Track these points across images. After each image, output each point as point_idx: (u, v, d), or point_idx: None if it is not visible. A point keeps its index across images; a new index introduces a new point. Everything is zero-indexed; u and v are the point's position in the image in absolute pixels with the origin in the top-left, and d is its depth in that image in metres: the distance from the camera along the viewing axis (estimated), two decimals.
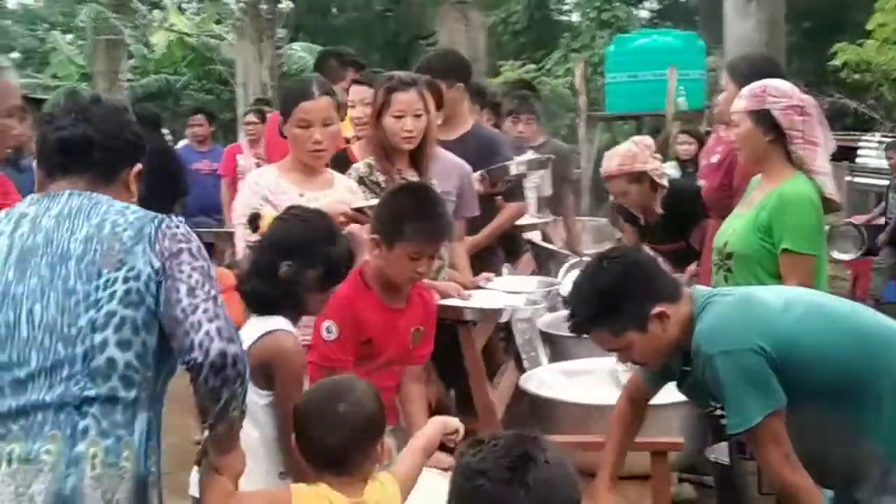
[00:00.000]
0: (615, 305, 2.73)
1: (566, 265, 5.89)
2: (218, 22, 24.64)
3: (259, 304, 2.90)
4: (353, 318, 3.26)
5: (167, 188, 3.15)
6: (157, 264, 2.18)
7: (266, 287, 2.86)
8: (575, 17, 23.97)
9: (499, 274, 4.56)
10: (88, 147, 2.30)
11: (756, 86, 3.81)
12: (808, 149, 3.72)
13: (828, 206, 3.81)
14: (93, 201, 2.24)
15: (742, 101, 3.79)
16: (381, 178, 3.98)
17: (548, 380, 4.22)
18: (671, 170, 6.88)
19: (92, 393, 2.10)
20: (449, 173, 4.24)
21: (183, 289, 2.17)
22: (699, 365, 2.69)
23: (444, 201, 3.54)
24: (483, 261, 4.56)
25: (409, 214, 3.25)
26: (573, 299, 2.87)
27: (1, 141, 3.12)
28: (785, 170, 3.71)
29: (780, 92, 3.70)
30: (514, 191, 5.03)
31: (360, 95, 4.64)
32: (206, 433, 2.25)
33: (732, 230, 3.80)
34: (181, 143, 9.73)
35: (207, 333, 2.14)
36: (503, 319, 3.85)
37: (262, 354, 2.77)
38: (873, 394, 2.63)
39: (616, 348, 2.85)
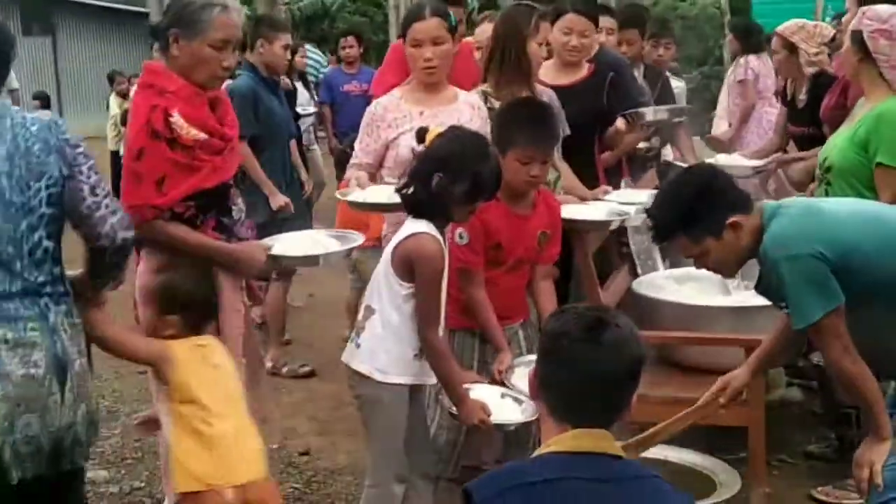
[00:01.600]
0: (694, 214, 2.99)
1: None
2: None
3: (412, 207, 3.33)
4: (482, 225, 3.65)
5: None
6: (65, 170, 2.67)
7: (420, 194, 3.28)
8: None
9: (618, 187, 4.87)
10: None
11: (864, 8, 4.05)
12: (893, 73, 3.92)
13: None
14: None
15: (856, 20, 4.03)
16: (497, 104, 4.23)
17: (658, 283, 4.58)
18: None
19: (42, 278, 2.64)
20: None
21: (86, 188, 2.70)
22: (767, 269, 2.96)
23: (552, 112, 3.88)
24: (606, 176, 4.93)
25: (518, 123, 3.62)
26: (655, 207, 3.15)
27: (209, 68, 3.37)
28: (880, 89, 3.93)
29: (876, 16, 3.91)
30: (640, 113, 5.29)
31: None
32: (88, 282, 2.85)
33: (833, 145, 4.05)
34: (330, 66, 10.11)
35: (112, 226, 2.72)
36: (612, 228, 4.17)
37: (406, 252, 3.25)
38: None
39: (693, 254, 3.12)
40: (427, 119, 3.98)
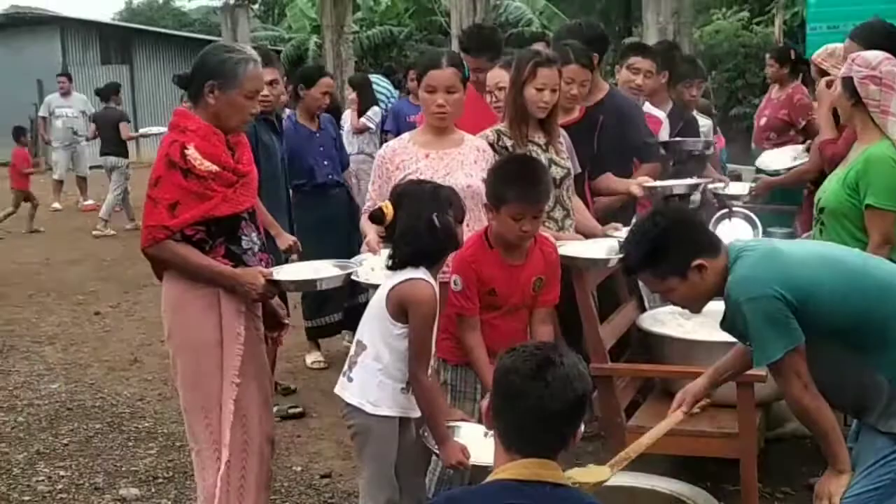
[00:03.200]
0: (660, 253, 3.14)
1: (715, 216, 6.35)
2: None
3: (412, 258, 3.48)
4: (476, 273, 3.85)
5: None
6: None
7: (419, 242, 3.45)
8: None
9: (628, 223, 5.01)
10: None
11: (852, 55, 4.20)
12: (884, 118, 4.05)
13: None
14: None
15: (844, 67, 4.19)
16: (508, 143, 4.50)
17: (662, 318, 4.72)
18: None
19: None
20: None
21: None
22: (730, 309, 3.10)
23: (543, 169, 4.05)
24: (617, 213, 5.11)
25: (509, 181, 3.79)
26: (627, 242, 3.31)
27: (242, 114, 3.78)
28: (872, 133, 4.06)
29: (865, 62, 4.06)
30: (652, 150, 5.48)
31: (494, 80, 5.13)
32: None
33: (827, 188, 4.18)
34: (400, 98, 10.28)
35: None
36: (610, 265, 4.31)
37: (402, 296, 3.47)
38: (881, 337, 2.98)
39: (659, 290, 3.30)
40: (433, 160, 4.23)
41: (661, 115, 5.98)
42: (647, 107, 5.88)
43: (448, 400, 3.92)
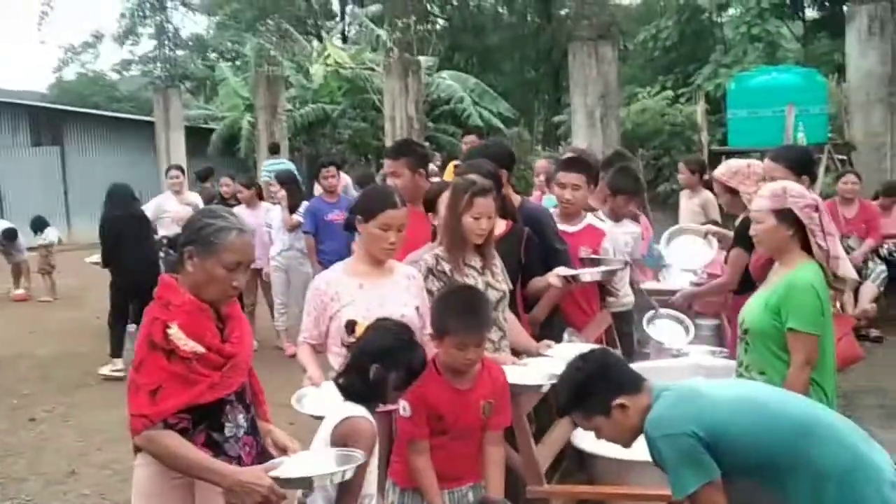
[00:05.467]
0: (584, 395, 3.38)
1: (646, 317, 6.54)
2: (374, 50, 25.77)
3: (350, 394, 3.65)
4: (424, 398, 3.96)
5: None
6: None
7: (358, 383, 3.62)
8: (727, 32, 23.87)
9: (559, 340, 5.17)
10: None
11: (776, 187, 4.38)
12: (829, 239, 4.28)
13: (843, 283, 4.38)
14: None
15: (765, 200, 4.32)
16: (447, 267, 4.63)
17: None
18: None
19: None
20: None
21: None
22: (649, 445, 3.28)
23: (484, 299, 4.19)
24: (545, 328, 5.26)
25: (452, 313, 3.94)
26: (558, 387, 3.52)
27: (220, 286, 3.46)
28: (798, 258, 4.26)
29: (798, 192, 4.29)
30: (560, 257, 5.58)
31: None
32: None
33: (750, 309, 4.35)
34: (316, 194, 10.42)
35: None
36: (543, 390, 4.44)
37: (342, 432, 3.56)
38: (792, 476, 3.13)
39: (588, 429, 3.49)
40: (367, 291, 4.35)
41: (605, 227, 6.16)
42: (590, 218, 6.05)
43: None
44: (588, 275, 5.37)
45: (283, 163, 17.35)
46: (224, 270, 3.45)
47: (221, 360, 3.45)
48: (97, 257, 10.29)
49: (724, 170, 5.94)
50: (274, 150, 19.15)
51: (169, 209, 10.94)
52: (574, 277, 5.18)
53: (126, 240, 9.68)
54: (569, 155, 6.98)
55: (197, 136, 25.44)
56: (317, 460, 3.48)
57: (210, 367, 3.41)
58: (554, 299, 5.39)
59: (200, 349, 3.37)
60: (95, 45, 40.77)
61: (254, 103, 23.45)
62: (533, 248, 5.31)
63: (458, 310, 3.95)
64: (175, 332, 3.34)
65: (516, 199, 5.69)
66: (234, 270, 3.47)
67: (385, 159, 5.57)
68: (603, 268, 5.60)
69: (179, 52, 35.76)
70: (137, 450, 3.49)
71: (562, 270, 5.20)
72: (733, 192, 5.87)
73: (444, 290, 4.36)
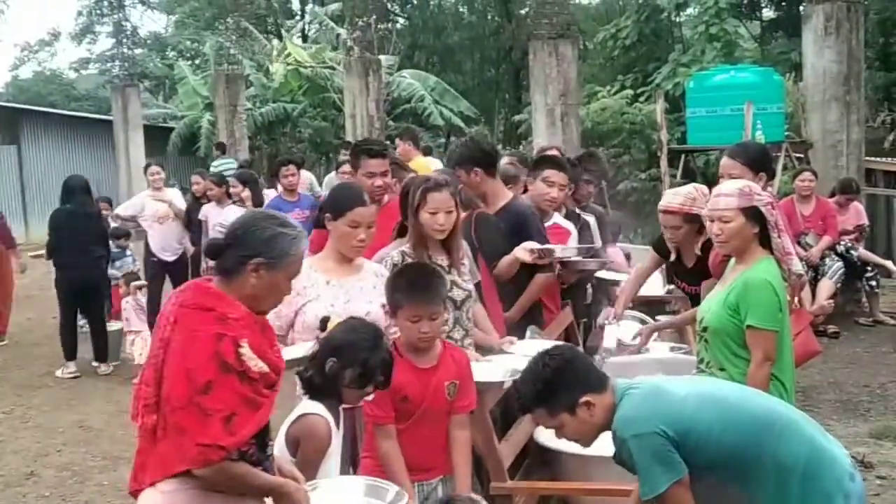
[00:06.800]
0: (549, 391, 3.36)
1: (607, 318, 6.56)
2: (334, 48, 25.72)
3: (308, 388, 3.66)
4: None
5: None
6: None
7: (315, 377, 3.63)
8: (686, 32, 23.98)
9: (522, 337, 5.19)
10: None
11: (743, 185, 4.38)
12: (783, 236, 4.33)
13: (798, 279, 4.44)
14: None
15: (733, 199, 4.28)
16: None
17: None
18: None
19: None
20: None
21: None
22: (617, 445, 3.31)
23: (436, 273, 4.20)
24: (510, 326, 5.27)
25: (402, 287, 3.99)
26: (520, 381, 3.52)
27: (278, 298, 3.26)
28: (757, 255, 4.30)
29: (759, 191, 4.35)
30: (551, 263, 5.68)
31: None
32: None
33: (708, 307, 4.39)
34: (273, 194, 10.34)
35: None
36: (505, 387, 4.46)
37: (295, 430, 3.57)
38: (757, 470, 3.19)
39: (551, 426, 3.48)
40: (334, 287, 4.34)
41: (570, 226, 6.19)
42: (557, 218, 6.09)
43: None
44: (561, 250, 5.39)
45: (231, 162, 17.28)
46: (289, 282, 3.24)
47: (276, 378, 3.15)
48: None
49: (680, 200, 5.39)
50: (222, 148, 19.05)
51: (148, 209, 11.02)
52: (546, 252, 5.20)
53: (62, 233, 9.69)
54: (551, 153, 7.02)
55: (156, 135, 25.25)
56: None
57: (269, 386, 3.11)
58: (531, 298, 5.41)
59: (266, 369, 3.06)
60: (52, 44, 40.54)
61: (213, 102, 23.34)
62: (485, 226, 5.35)
63: (410, 284, 3.99)
64: (247, 351, 3.01)
65: (507, 195, 5.71)
66: (292, 279, 3.28)
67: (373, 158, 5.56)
68: (575, 246, 5.64)
69: (138, 51, 35.64)
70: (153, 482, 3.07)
71: (529, 244, 5.24)
72: (693, 219, 5.36)
73: (398, 268, 4.40)
